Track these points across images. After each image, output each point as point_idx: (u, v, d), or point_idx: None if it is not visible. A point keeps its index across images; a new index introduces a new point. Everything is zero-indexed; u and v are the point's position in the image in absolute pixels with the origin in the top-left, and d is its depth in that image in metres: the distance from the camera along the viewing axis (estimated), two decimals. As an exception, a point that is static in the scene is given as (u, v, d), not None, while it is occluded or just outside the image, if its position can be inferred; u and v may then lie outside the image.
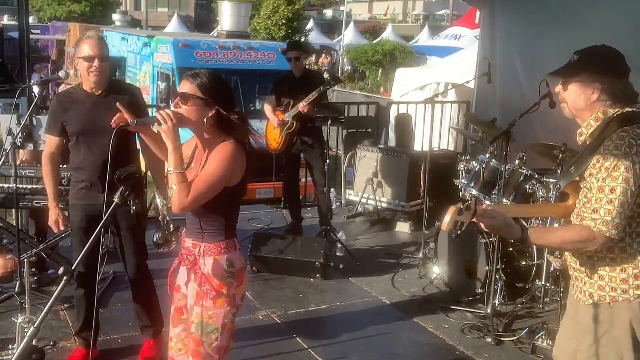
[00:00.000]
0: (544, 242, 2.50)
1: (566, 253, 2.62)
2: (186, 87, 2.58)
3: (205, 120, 2.57)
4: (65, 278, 2.28)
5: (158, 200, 3.74)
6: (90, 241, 2.41)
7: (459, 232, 2.27)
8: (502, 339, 4.35)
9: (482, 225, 2.32)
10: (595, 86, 2.39)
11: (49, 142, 3.70)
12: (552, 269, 4.62)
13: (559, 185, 2.50)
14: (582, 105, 2.44)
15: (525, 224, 2.57)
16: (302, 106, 5.64)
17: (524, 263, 4.88)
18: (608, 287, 2.41)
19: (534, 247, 4.87)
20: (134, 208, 3.52)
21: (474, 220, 2.28)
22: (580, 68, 2.42)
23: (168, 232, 3.69)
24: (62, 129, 3.63)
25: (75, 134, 3.60)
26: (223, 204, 2.61)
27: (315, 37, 34.07)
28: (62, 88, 5.42)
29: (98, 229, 2.41)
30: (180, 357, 2.80)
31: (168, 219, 3.69)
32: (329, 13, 52.44)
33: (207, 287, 2.62)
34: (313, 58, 30.43)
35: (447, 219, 2.22)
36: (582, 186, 2.44)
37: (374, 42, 31.48)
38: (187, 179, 2.53)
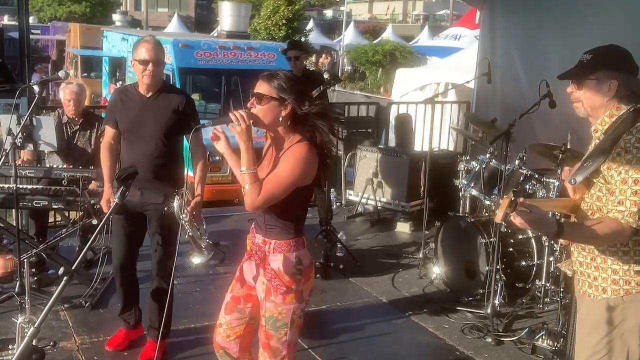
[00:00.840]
0: (576, 236, 2.48)
1: (572, 248, 2.63)
2: (262, 87, 2.64)
3: (280, 119, 2.63)
4: (65, 278, 2.28)
5: (183, 217, 3.51)
6: (89, 242, 2.43)
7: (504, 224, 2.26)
8: (502, 339, 4.35)
9: (517, 220, 2.27)
10: (611, 83, 2.44)
11: (106, 132, 3.94)
12: (552, 269, 4.62)
13: (573, 180, 2.49)
14: (598, 103, 2.48)
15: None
16: None
17: (524, 263, 4.88)
18: (622, 281, 2.44)
19: (534, 247, 4.88)
20: (166, 208, 3.59)
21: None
22: (595, 67, 2.46)
23: (203, 247, 3.51)
24: (116, 122, 3.82)
25: (122, 131, 3.81)
26: (294, 203, 2.67)
27: (315, 37, 34.06)
28: (62, 87, 5.44)
29: (97, 229, 2.42)
30: (227, 343, 2.89)
31: (202, 229, 3.61)
32: (329, 13, 52.44)
33: (277, 283, 2.69)
34: (313, 58, 30.43)
35: (501, 214, 2.20)
36: (595, 180, 2.45)
37: (374, 42, 31.47)
38: (259, 178, 2.60)
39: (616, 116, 2.46)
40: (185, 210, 3.43)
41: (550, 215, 2.49)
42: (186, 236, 3.31)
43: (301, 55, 5.97)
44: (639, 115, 2.41)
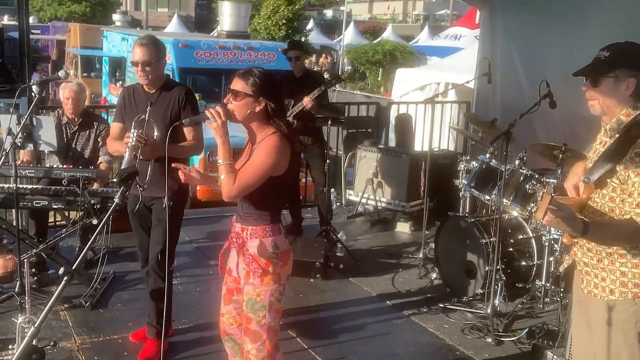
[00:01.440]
0: (600, 236, 2.43)
1: (575, 248, 2.59)
2: (237, 84, 2.80)
3: (254, 115, 2.78)
4: (65, 278, 2.28)
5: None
6: (89, 242, 2.43)
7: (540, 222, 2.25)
8: (502, 339, 4.35)
9: (547, 217, 2.25)
10: (630, 81, 2.41)
11: (112, 128, 4.03)
12: (552, 269, 4.62)
13: (587, 179, 2.45)
14: (615, 101, 2.45)
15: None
16: (307, 101, 5.58)
17: (524, 263, 4.88)
18: (631, 283, 2.41)
19: (534, 247, 4.88)
20: (169, 203, 3.46)
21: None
22: (614, 64, 2.42)
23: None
24: (123, 119, 3.90)
25: (129, 127, 3.84)
26: (268, 191, 2.81)
27: (315, 37, 34.07)
28: (62, 86, 5.42)
29: (97, 229, 2.42)
30: (232, 329, 3.05)
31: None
32: (329, 13, 52.45)
33: (255, 266, 2.83)
34: (313, 58, 30.43)
35: (542, 213, 2.20)
36: (608, 181, 2.41)
37: (374, 42, 31.48)
38: (235, 169, 2.77)
39: (632, 115, 2.42)
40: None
41: None
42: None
43: (301, 56, 5.97)
44: None
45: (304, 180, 6.90)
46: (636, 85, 2.41)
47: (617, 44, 2.47)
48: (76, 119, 5.27)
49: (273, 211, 2.89)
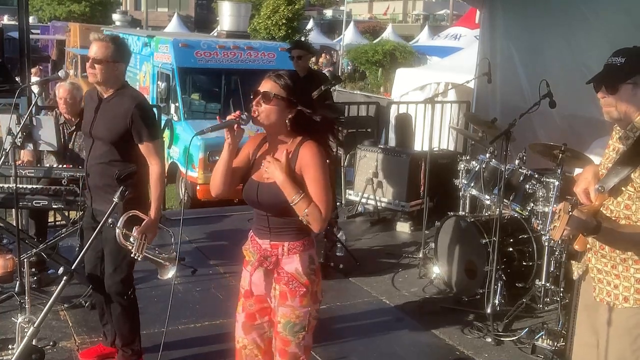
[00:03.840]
0: (613, 236, 2.40)
1: (589, 255, 2.56)
2: (268, 86, 2.59)
3: (286, 121, 2.59)
4: (65, 278, 2.28)
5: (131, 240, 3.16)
6: (86, 246, 2.43)
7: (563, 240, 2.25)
8: (502, 339, 4.35)
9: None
10: None
11: None
12: (552, 269, 4.62)
13: (601, 187, 2.39)
14: (634, 107, 2.39)
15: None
16: None
17: (524, 263, 4.87)
18: None
19: (534, 247, 4.87)
20: (118, 232, 3.24)
21: None
22: (632, 70, 2.37)
23: (165, 261, 3.27)
24: None
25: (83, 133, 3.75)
26: None
27: (315, 37, 34.02)
28: (57, 86, 5.37)
29: (94, 234, 2.41)
30: None
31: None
32: (328, 13, 52.38)
33: (295, 285, 2.63)
34: (313, 58, 30.40)
35: (560, 232, 2.20)
36: (623, 189, 2.38)
37: (374, 42, 31.47)
38: (311, 197, 2.54)
39: None
40: (133, 235, 3.11)
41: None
42: (137, 258, 3.10)
43: (304, 55, 5.95)
44: None
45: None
46: None
47: (629, 49, 2.43)
48: (73, 119, 5.22)
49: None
